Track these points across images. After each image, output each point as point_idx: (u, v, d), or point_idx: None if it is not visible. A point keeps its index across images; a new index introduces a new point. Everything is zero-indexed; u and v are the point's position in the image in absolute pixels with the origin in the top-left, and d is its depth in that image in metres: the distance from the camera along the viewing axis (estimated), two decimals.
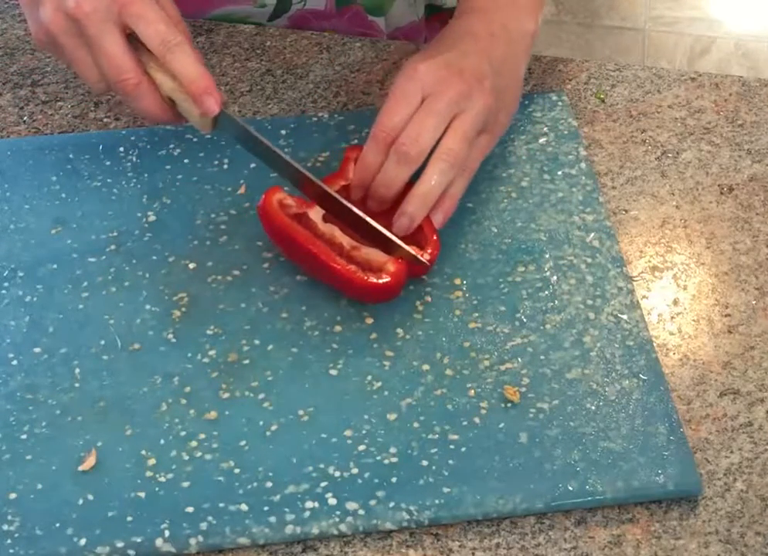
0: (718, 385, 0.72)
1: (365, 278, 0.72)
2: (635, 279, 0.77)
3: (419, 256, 0.73)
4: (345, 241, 0.74)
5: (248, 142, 0.75)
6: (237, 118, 0.74)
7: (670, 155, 0.86)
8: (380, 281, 0.72)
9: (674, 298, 0.77)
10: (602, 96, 0.91)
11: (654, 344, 0.73)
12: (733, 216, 0.82)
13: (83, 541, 0.64)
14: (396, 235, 0.73)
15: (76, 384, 0.71)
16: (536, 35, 0.82)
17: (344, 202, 0.73)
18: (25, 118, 0.89)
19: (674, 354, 0.74)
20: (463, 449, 0.68)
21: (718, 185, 0.84)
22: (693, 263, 0.79)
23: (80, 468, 0.67)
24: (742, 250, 0.80)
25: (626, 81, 0.92)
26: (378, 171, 0.74)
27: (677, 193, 0.84)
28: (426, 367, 0.72)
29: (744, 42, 2.39)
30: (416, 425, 0.69)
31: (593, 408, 0.70)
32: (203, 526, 0.65)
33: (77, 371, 0.72)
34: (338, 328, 0.74)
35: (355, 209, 0.73)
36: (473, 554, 0.65)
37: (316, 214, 0.75)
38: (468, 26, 0.80)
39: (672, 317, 0.76)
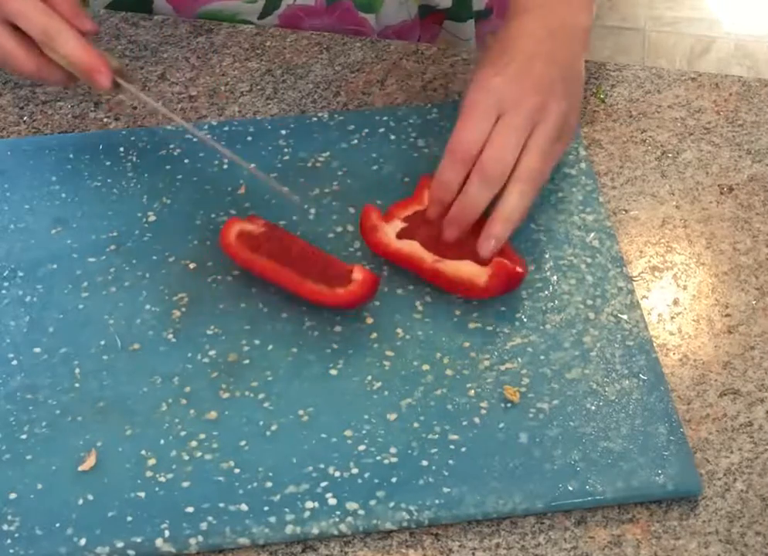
0: (718, 385, 0.72)
1: (329, 294, 0.72)
2: (635, 279, 0.77)
3: (506, 264, 0.74)
4: (427, 255, 0.74)
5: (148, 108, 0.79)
6: (136, 90, 0.78)
7: (670, 155, 0.86)
8: (344, 290, 0.72)
9: (674, 298, 0.77)
10: (602, 96, 0.91)
11: (654, 344, 0.73)
12: (733, 216, 0.82)
13: (83, 541, 0.64)
14: (479, 259, 0.74)
15: (76, 384, 0.71)
16: (590, 30, 0.81)
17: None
18: (25, 118, 0.89)
19: (674, 354, 0.74)
20: (463, 449, 0.68)
21: (718, 185, 0.84)
22: (693, 263, 0.79)
23: (80, 468, 0.67)
24: (742, 250, 0.80)
25: (626, 81, 0.92)
26: (456, 188, 0.74)
27: (677, 193, 0.84)
28: (426, 367, 0.72)
29: (744, 42, 2.39)
30: (416, 425, 0.69)
31: (593, 408, 0.70)
32: (203, 526, 0.65)
33: (77, 371, 0.72)
34: (338, 328, 0.74)
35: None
36: (473, 554, 0.65)
37: (390, 231, 0.75)
38: (526, 27, 0.79)
39: (672, 317, 0.76)
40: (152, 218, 0.81)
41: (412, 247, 0.75)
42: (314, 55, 0.95)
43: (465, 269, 0.74)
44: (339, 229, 0.79)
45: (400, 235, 0.76)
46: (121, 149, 0.85)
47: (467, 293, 0.74)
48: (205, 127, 0.86)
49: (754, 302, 0.77)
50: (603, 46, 2.38)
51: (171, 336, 0.74)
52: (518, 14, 0.80)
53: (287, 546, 0.65)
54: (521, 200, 0.73)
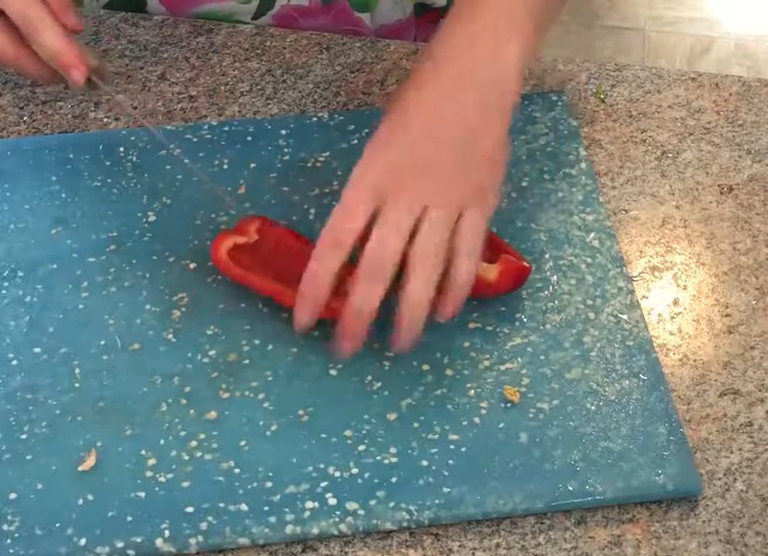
0: (718, 385, 0.72)
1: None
2: (635, 279, 0.77)
3: (517, 261, 0.74)
4: None
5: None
6: (110, 91, 0.78)
7: (670, 155, 0.86)
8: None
9: (674, 298, 0.77)
10: (602, 96, 0.91)
11: (654, 344, 0.73)
12: (733, 216, 0.82)
13: (83, 541, 0.64)
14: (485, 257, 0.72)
15: (76, 384, 0.71)
16: (527, 57, 0.73)
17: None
18: (25, 118, 0.89)
19: (674, 354, 0.74)
20: (463, 449, 0.68)
21: (718, 185, 0.84)
22: (693, 263, 0.79)
23: (80, 468, 0.67)
24: (742, 250, 0.80)
25: (626, 81, 0.92)
26: (332, 282, 0.68)
27: (677, 193, 0.84)
28: (426, 367, 0.72)
29: (744, 42, 2.39)
30: (415, 425, 0.69)
31: (593, 408, 0.70)
32: (203, 526, 0.65)
33: (77, 371, 0.72)
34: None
35: None
36: (473, 554, 0.65)
37: None
38: (441, 78, 0.72)
39: (672, 317, 0.76)
40: (152, 218, 0.81)
41: None
42: (314, 55, 0.95)
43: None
44: None
45: None
46: (121, 149, 0.85)
47: (477, 292, 0.74)
48: (205, 127, 0.86)
49: (754, 302, 0.77)
50: (603, 46, 2.38)
51: (171, 336, 0.74)
52: (435, 52, 0.74)
53: (287, 546, 0.65)
54: (424, 286, 0.68)
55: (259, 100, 0.90)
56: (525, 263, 0.74)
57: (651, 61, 2.32)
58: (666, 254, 0.80)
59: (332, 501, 0.66)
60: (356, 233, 0.68)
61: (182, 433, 0.69)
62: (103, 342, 0.73)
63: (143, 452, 0.68)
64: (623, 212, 0.82)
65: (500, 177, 0.72)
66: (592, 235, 0.79)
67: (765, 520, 0.66)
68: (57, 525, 0.65)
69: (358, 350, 0.69)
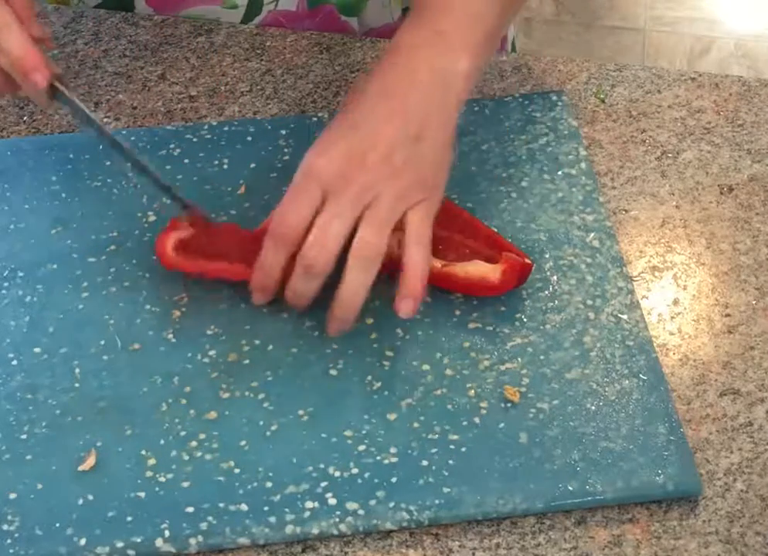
0: (718, 385, 0.72)
1: None
2: (635, 279, 0.77)
3: (519, 258, 0.74)
4: (434, 261, 0.74)
5: (81, 119, 0.76)
6: (71, 96, 0.75)
7: (670, 155, 0.86)
8: None
9: (674, 298, 0.77)
10: (602, 96, 0.91)
11: (654, 344, 0.73)
12: (733, 216, 0.82)
13: (83, 541, 0.64)
14: (487, 256, 0.74)
15: (76, 384, 0.71)
16: (471, 79, 0.74)
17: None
18: (25, 118, 0.89)
19: (674, 354, 0.74)
20: (463, 449, 0.68)
21: (718, 185, 0.84)
22: (693, 263, 0.79)
23: (80, 468, 0.67)
24: (742, 250, 0.80)
25: (626, 81, 0.92)
26: (280, 272, 0.71)
27: (677, 193, 0.84)
28: (426, 367, 0.72)
29: (744, 42, 2.39)
30: (416, 425, 0.69)
31: (593, 408, 0.70)
32: (203, 526, 0.65)
33: (77, 371, 0.72)
34: None
35: None
36: (473, 554, 0.65)
37: (392, 241, 0.73)
38: (385, 78, 0.74)
39: (672, 317, 0.76)
40: (152, 218, 0.81)
41: None
42: (314, 55, 0.95)
43: (475, 268, 0.74)
44: None
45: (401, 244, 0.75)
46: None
47: (481, 291, 0.74)
48: (205, 127, 0.87)
49: (754, 302, 0.77)
50: (603, 46, 2.38)
51: (171, 336, 0.74)
52: (387, 54, 0.75)
53: (287, 546, 0.65)
54: (362, 276, 0.69)
55: (259, 100, 0.90)
56: (526, 260, 0.74)
57: (651, 61, 2.32)
58: (666, 254, 0.80)
59: (332, 501, 0.66)
60: (302, 226, 0.69)
61: (182, 433, 0.69)
62: (103, 342, 0.73)
63: (143, 452, 0.68)
64: (623, 212, 0.82)
65: (444, 177, 0.74)
66: (592, 235, 0.79)
67: (765, 520, 0.66)
68: (57, 525, 0.65)
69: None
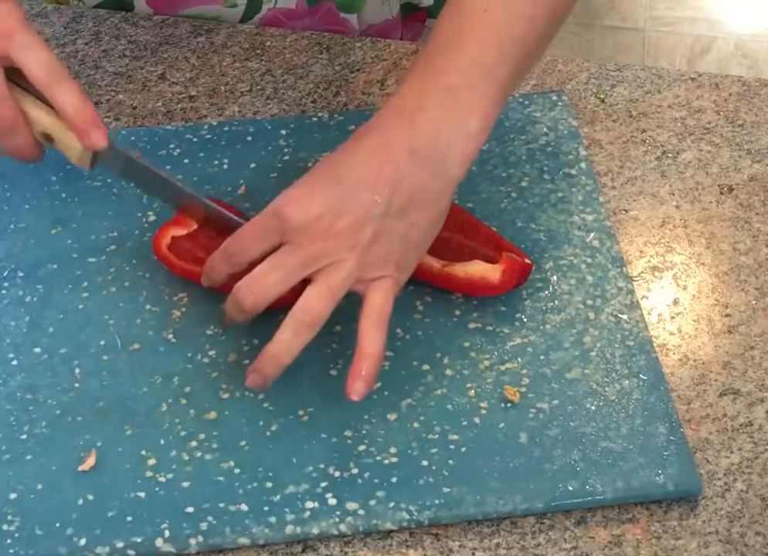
0: (718, 385, 0.72)
1: None
2: (635, 279, 0.77)
3: (518, 258, 0.74)
4: (434, 262, 0.74)
5: (134, 174, 0.72)
6: (122, 150, 0.71)
7: (670, 155, 0.86)
8: None
9: (674, 298, 0.77)
10: (602, 96, 0.91)
11: (654, 344, 0.73)
12: (733, 216, 0.82)
13: (83, 541, 0.64)
14: (486, 257, 0.73)
15: (76, 384, 0.71)
16: (480, 140, 0.68)
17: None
18: None
19: (674, 354, 0.74)
20: (463, 449, 0.68)
21: (718, 185, 0.84)
22: (693, 263, 0.79)
23: (80, 468, 0.67)
24: (742, 250, 0.80)
25: (626, 81, 0.92)
26: (222, 281, 0.70)
27: (677, 193, 0.84)
28: (426, 367, 0.72)
29: (744, 42, 2.39)
30: (416, 425, 0.69)
31: (593, 408, 0.70)
32: (203, 526, 0.65)
33: (77, 371, 0.72)
34: (337, 328, 0.74)
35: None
36: (473, 554, 0.65)
37: None
38: (385, 134, 0.68)
39: (672, 317, 0.76)
40: (152, 218, 0.81)
41: None
42: (314, 55, 0.95)
43: (475, 268, 0.74)
44: None
45: None
46: None
47: (481, 291, 0.74)
48: (205, 127, 0.87)
49: (754, 302, 0.77)
50: (603, 46, 2.38)
51: (171, 336, 0.74)
52: (394, 101, 0.69)
53: (287, 546, 0.65)
54: (294, 339, 0.66)
55: (259, 100, 0.90)
56: (526, 260, 0.74)
57: (651, 61, 2.32)
58: (666, 254, 0.80)
59: (332, 501, 0.66)
60: (249, 255, 0.67)
61: (182, 433, 0.69)
62: (103, 342, 0.73)
63: (143, 452, 0.68)
64: (623, 212, 0.82)
65: (417, 258, 0.69)
66: (593, 235, 0.79)
67: (765, 520, 0.66)
68: (57, 525, 0.65)
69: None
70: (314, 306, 0.66)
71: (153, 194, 0.75)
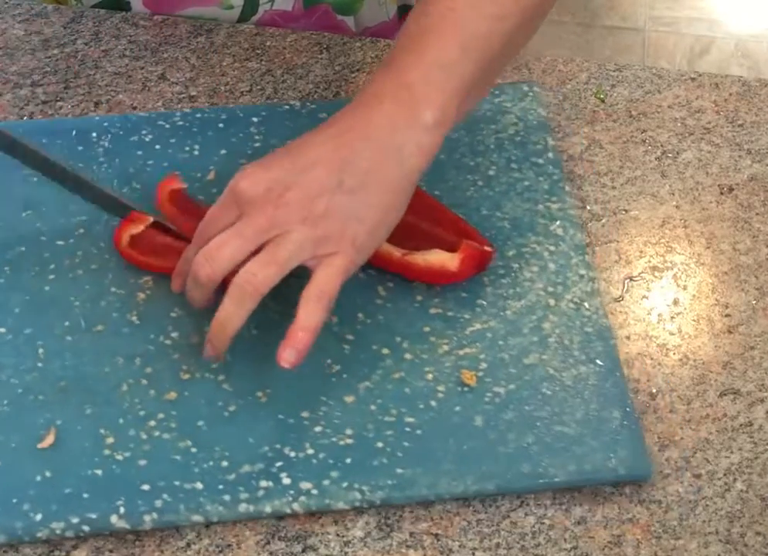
0: (718, 385, 0.72)
1: None
2: (635, 279, 0.78)
3: (480, 246, 0.74)
4: (394, 250, 0.75)
5: (22, 155, 0.75)
6: (6, 132, 0.74)
7: (670, 155, 0.86)
8: None
9: (674, 298, 0.77)
10: (602, 96, 0.91)
11: (655, 344, 0.74)
12: (733, 216, 0.82)
13: (38, 517, 0.65)
14: (447, 245, 0.73)
15: (39, 364, 0.72)
16: (441, 129, 0.69)
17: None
18: (25, 118, 0.89)
19: (674, 354, 0.74)
20: (419, 432, 0.68)
21: (718, 185, 0.84)
22: (693, 263, 0.79)
23: (39, 446, 0.68)
24: (742, 250, 0.80)
25: (626, 81, 0.92)
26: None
27: (677, 193, 0.84)
28: (385, 351, 0.72)
29: (744, 42, 2.39)
30: (372, 407, 0.70)
31: (549, 392, 0.70)
32: (158, 503, 0.65)
33: (41, 351, 0.73)
34: None
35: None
36: (473, 554, 0.65)
37: None
38: (341, 123, 0.70)
39: (672, 317, 0.76)
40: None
41: None
42: (314, 55, 0.95)
43: (435, 257, 0.74)
44: None
45: None
46: (94, 134, 0.85)
47: (440, 279, 0.75)
48: (178, 114, 0.87)
49: (754, 302, 0.77)
50: (603, 46, 2.38)
51: (135, 318, 0.74)
52: (353, 101, 0.71)
53: (287, 546, 0.65)
54: (235, 308, 0.67)
55: (259, 100, 0.90)
56: (486, 248, 0.75)
57: (651, 61, 2.32)
58: (666, 254, 0.80)
59: (286, 481, 0.66)
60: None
61: (141, 413, 0.69)
62: (67, 323, 0.74)
63: (102, 430, 0.69)
64: (623, 212, 0.82)
65: (372, 239, 0.69)
66: (557, 223, 0.79)
67: (765, 520, 0.66)
68: (14, 501, 0.65)
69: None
70: (255, 273, 0.67)
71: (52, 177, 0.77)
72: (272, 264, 0.67)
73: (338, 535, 0.66)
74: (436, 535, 0.66)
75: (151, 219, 0.77)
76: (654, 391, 0.72)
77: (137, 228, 0.76)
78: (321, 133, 0.70)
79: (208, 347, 0.70)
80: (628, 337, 0.75)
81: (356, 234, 0.68)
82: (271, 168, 0.69)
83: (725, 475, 0.68)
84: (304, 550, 0.65)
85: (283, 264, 0.67)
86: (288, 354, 0.67)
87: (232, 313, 0.68)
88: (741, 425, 0.71)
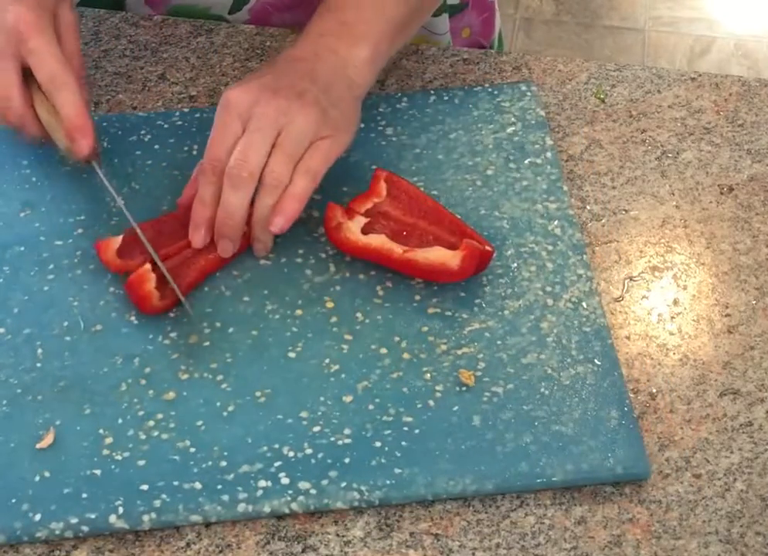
0: (718, 385, 0.72)
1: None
2: (635, 279, 0.78)
3: (478, 245, 0.74)
4: (395, 247, 0.75)
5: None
6: (100, 173, 0.79)
7: (670, 155, 0.86)
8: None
9: (674, 298, 0.77)
10: (602, 96, 0.91)
11: (654, 344, 0.74)
12: (733, 216, 0.82)
13: (37, 517, 0.65)
14: (448, 244, 0.75)
15: (38, 364, 0.72)
16: (373, 64, 0.81)
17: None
18: None
19: (674, 354, 0.74)
20: (417, 431, 0.68)
21: (718, 185, 0.84)
22: (693, 263, 0.79)
23: (38, 446, 0.68)
24: (742, 250, 0.80)
25: (626, 81, 0.92)
26: (215, 203, 0.75)
27: (677, 193, 0.84)
28: (383, 350, 0.72)
29: (744, 42, 2.39)
30: (371, 407, 0.70)
31: (547, 392, 0.70)
32: (156, 503, 0.66)
33: (40, 351, 0.73)
34: (298, 312, 0.75)
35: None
36: (473, 554, 0.65)
37: (355, 227, 0.76)
38: (294, 51, 0.80)
39: (672, 317, 0.76)
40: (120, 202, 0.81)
41: (380, 240, 0.75)
42: None
43: (436, 254, 0.74)
44: (304, 215, 0.79)
45: (365, 230, 0.76)
46: None
47: (441, 277, 0.75)
48: (177, 114, 0.87)
49: (754, 302, 0.77)
50: (603, 46, 2.38)
51: (133, 318, 0.75)
52: (297, 40, 0.81)
53: (287, 546, 0.66)
54: (270, 201, 0.74)
55: None
56: (486, 247, 0.75)
57: (651, 61, 2.32)
58: (666, 254, 0.80)
59: (285, 480, 0.66)
60: (228, 156, 0.74)
61: (140, 413, 0.70)
62: (66, 323, 0.74)
63: (101, 430, 0.69)
64: (623, 212, 0.82)
65: (351, 127, 0.78)
66: (555, 223, 0.79)
67: (765, 520, 0.66)
68: (13, 501, 0.66)
69: (234, 249, 0.76)
70: (274, 170, 0.74)
71: None
72: (287, 157, 0.74)
73: (338, 535, 0.66)
74: (436, 535, 0.66)
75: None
76: (654, 391, 0.72)
77: (116, 242, 0.76)
78: (278, 63, 0.79)
79: (222, 244, 0.75)
80: (628, 337, 0.75)
81: (341, 117, 0.77)
82: (252, 79, 0.76)
83: (725, 475, 0.68)
84: (303, 551, 0.65)
85: (293, 157, 0.74)
86: (278, 221, 0.74)
87: (233, 203, 0.74)
88: (741, 425, 0.71)
